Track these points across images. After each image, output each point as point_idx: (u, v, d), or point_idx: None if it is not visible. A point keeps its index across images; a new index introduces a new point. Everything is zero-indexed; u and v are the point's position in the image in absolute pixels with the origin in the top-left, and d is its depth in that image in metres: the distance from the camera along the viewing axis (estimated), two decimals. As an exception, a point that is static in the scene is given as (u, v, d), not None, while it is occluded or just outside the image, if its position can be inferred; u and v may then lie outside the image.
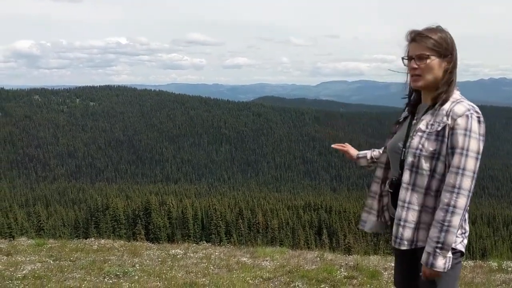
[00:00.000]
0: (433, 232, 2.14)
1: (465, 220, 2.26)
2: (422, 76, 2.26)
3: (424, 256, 2.18)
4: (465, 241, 2.29)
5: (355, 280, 5.14)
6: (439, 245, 2.12)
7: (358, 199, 75.34)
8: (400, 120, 2.50)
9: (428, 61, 2.23)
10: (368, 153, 2.81)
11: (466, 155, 2.12)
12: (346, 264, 5.85)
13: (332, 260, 6.16)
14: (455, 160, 2.13)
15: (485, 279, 5.16)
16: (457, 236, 2.23)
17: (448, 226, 2.11)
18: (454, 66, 2.28)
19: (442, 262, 2.13)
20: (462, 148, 2.13)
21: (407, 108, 2.48)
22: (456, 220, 2.11)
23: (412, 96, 2.46)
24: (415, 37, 2.26)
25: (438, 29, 2.28)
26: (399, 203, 2.29)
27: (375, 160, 2.76)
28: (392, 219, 2.41)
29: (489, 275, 5.37)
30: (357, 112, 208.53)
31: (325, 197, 75.97)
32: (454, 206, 2.10)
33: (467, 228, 2.31)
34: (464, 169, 2.12)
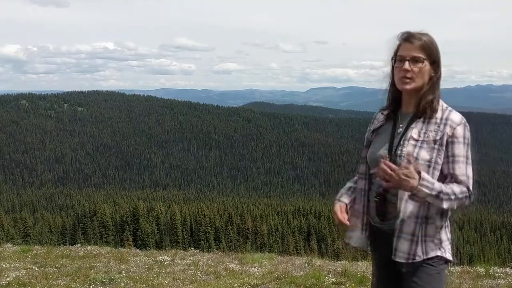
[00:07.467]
0: (444, 188, 2.07)
1: (448, 228, 2.26)
2: (413, 79, 2.17)
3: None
4: (450, 248, 2.28)
5: (343, 286, 5.14)
6: (436, 192, 2.04)
7: (347, 204, 75.45)
8: (377, 128, 2.39)
9: (421, 65, 2.16)
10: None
11: (467, 163, 2.16)
12: (334, 270, 5.84)
13: (321, 266, 6.15)
14: (461, 168, 2.14)
15: (472, 285, 5.18)
16: (447, 246, 2.25)
17: (452, 198, 2.07)
18: (440, 74, 2.25)
19: (423, 194, 2.04)
20: (465, 157, 2.16)
21: (382, 115, 2.38)
22: (454, 204, 2.09)
23: (390, 102, 2.34)
24: (409, 37, 2.18)
25: (428, 35, 2.21)
26: (398, 213, 2.19)
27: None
28: (377, 231, 2.34)
29: (476, 280, 5.39)
30: (346, 118, 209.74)
31: (314, 203, 76.13)
32: (462, 200, 2.11)
33: (449, 236, 2.30)
34: (468, 177, 2.15)
